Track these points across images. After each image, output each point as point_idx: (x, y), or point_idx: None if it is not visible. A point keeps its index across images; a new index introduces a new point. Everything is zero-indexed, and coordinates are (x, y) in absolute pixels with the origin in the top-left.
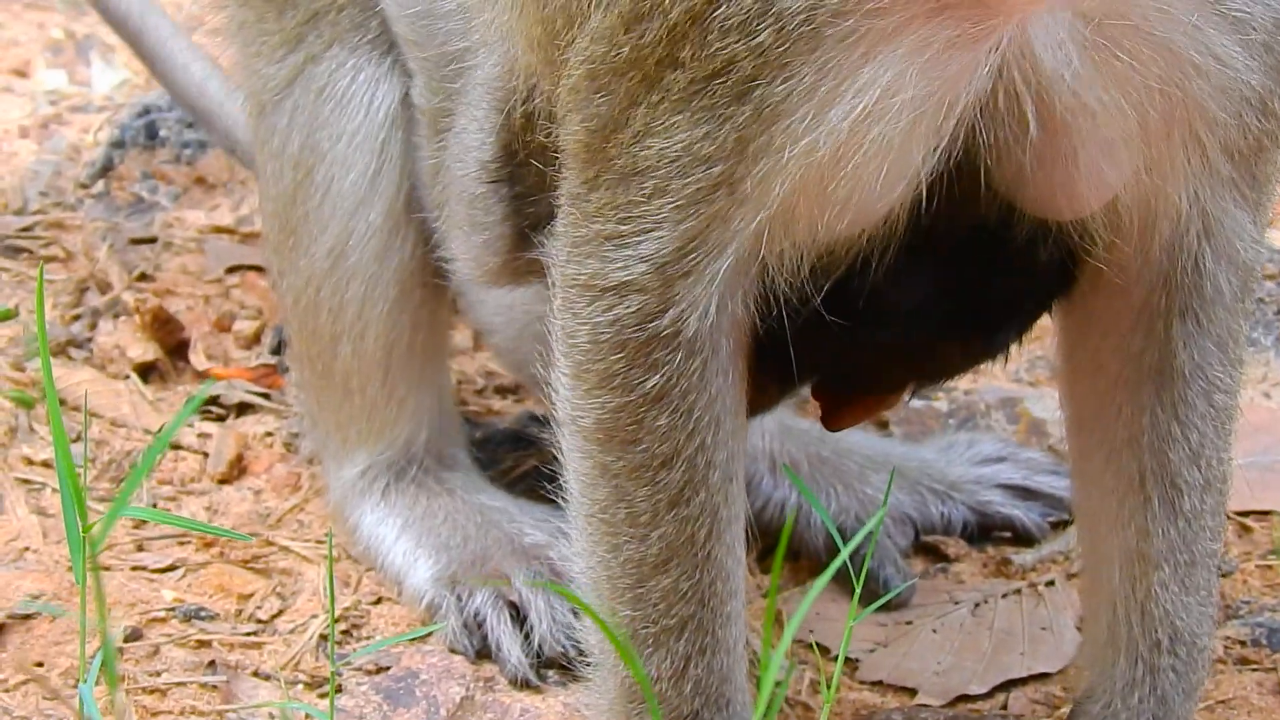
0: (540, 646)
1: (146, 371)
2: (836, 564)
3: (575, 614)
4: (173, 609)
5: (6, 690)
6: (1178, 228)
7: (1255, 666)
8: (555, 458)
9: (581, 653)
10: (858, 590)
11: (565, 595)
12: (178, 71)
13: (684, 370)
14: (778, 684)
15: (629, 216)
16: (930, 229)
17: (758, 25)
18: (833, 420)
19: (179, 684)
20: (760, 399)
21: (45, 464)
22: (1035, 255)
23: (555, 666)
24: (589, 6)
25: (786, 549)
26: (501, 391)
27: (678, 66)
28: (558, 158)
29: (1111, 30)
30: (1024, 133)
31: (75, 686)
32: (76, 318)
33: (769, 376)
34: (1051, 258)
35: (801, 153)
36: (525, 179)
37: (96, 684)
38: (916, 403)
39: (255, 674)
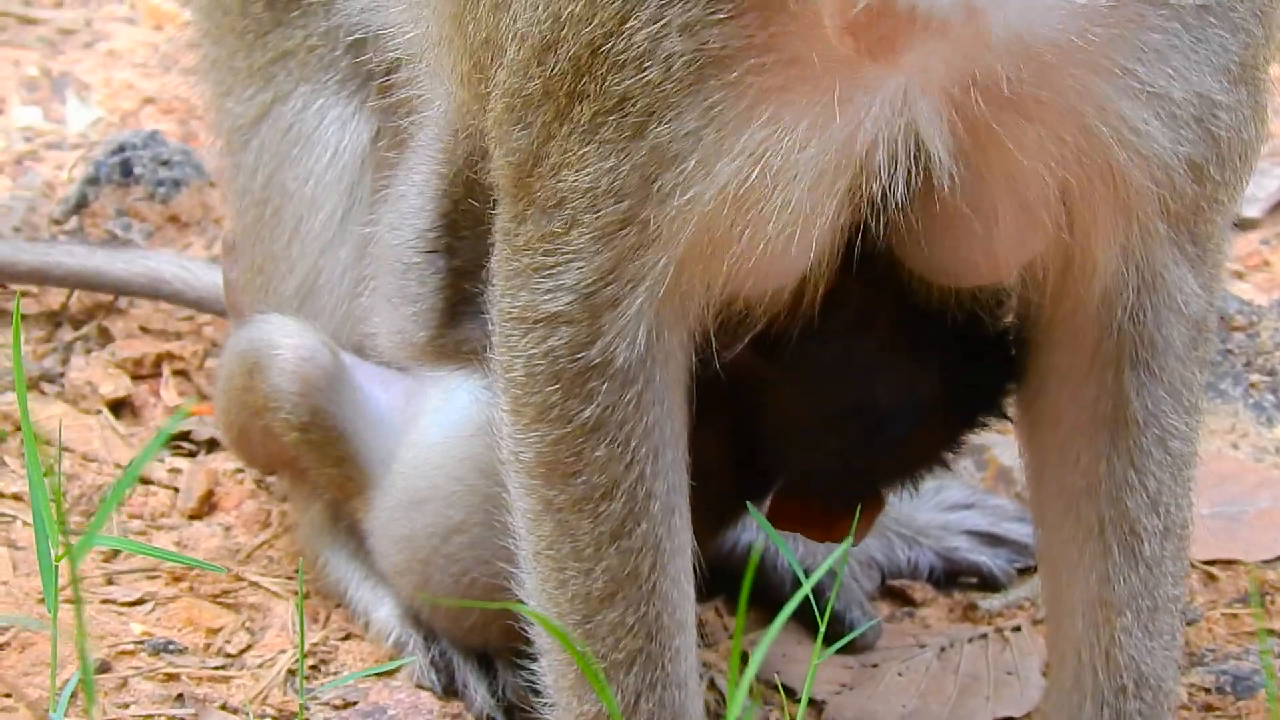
0: (504, 688)
1: (118, 407)
2: (798, 598)
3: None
4: (141, 642)
5: None
6: (1114, 283)
7: (1220, 713)
8: None
9: (539, 694)
10: (821, 630)
11: (527, 614)
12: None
13: (619, 400)
14: None
15: (553, 249)
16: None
17: (647, 63)
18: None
19: (147, 716)
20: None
21: (16, 497)
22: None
23: (521, 706)
24: (505, 40)
25: (754, 592)
26: None
27: (583, 98)
28: (495, 212)
29: (1013, 100)
30: (931, 198)
31: (45, 717)
32: (49, 352)
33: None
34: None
35: (693, 200)
36: (463, 253)
37: (66, 715)
38: None
39: (223, 707)
